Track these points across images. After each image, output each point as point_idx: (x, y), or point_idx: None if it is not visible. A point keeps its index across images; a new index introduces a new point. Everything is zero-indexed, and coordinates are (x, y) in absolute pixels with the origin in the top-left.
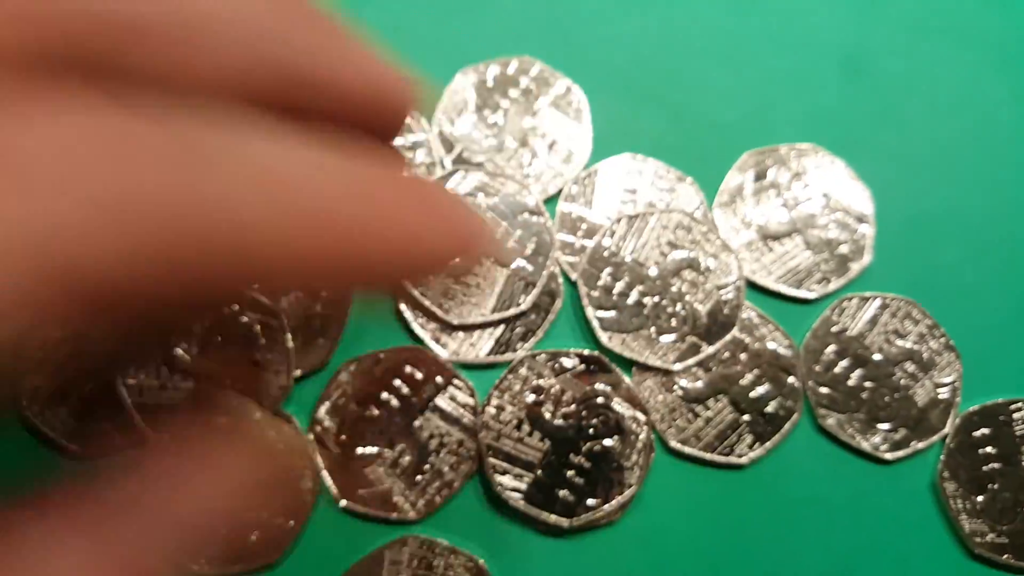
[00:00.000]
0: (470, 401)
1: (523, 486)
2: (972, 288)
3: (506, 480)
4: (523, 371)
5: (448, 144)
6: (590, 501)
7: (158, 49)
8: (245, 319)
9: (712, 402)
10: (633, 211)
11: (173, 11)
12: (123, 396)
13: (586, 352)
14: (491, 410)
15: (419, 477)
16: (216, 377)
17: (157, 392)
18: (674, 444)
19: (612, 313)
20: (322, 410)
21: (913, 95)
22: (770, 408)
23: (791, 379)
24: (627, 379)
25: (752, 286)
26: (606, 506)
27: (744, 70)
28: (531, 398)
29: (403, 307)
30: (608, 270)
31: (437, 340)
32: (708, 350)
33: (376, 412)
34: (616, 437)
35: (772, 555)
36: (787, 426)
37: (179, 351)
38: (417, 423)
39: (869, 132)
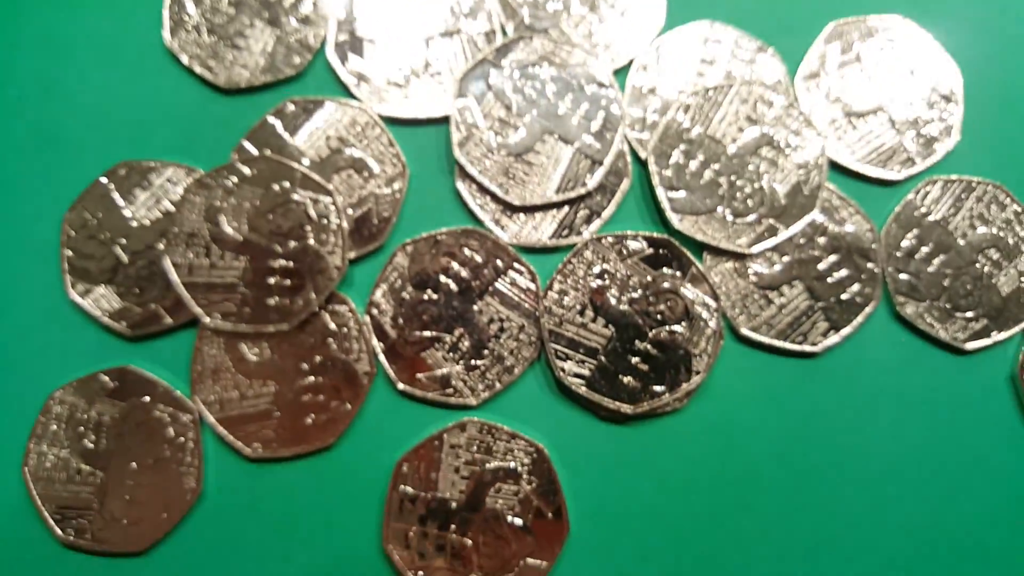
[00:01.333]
0: (531, 286)
1: (586, 372)
2: None
3: (568, 366)
4: (587, 254)
5: (510, 9)
6: (656, 388)
7: None
8: (296, 197)
9: (787, 288)
10: (710, 83)
11: None
12: (171, 275)
13: (655, 235)
14: (553, 295)
15: (478, 362)
16: (266, 255)
17: (207, 271)
18: (745, 331)
19: (684, 193)
20: (378, 293)
21: None
22: (847, 295)
23: (870, 264)
24: (698, 264)
25: (834, 166)
26: (671, 394)
27: None
28: (596, 283)
29: (461, 187)
30: (681, 147)
31: (497, 222)
32: (785, 233)
33: (434, 296)
34: (684, 323)
35: (843, 446)
36: (864, 314)
37: (228, 228)
38: (476, 307)
39: (960, 3)
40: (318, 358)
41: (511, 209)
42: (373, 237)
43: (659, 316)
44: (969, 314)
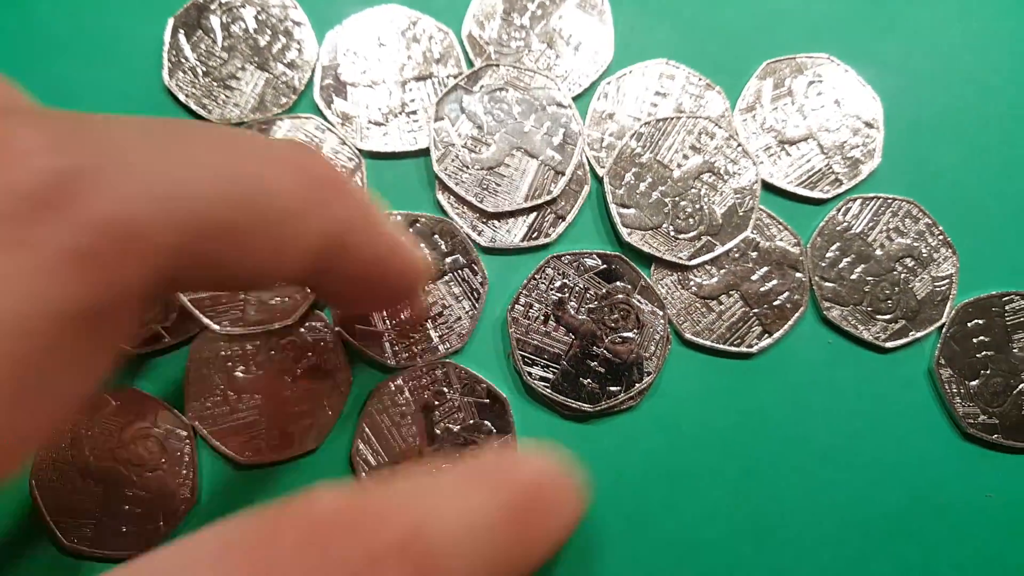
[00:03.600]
0: (480, 289)
1: (550, 376)
2: (970, 189)
3: (534, 371)
4: (549, 271)
5: (478, 47)
6: (612, 388)
7: (252, 249)
8: None
9: (724, 297)
10: (661, 114)
11: (260, 214)
12: (179, 296)
13: (608, 252)
14: (520, 307)
15: (412, 334)
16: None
17: None
18: (689, 336)
19: (633, 211)
20: None
21: (917, 5)
22: (778, 302)
23: (798, 275)
24: (646, 277)
25: (768, 188)
26: (625, 393)
27: None
28: (556, 296)
29: (441, 199)
30: (633, 170)
31: (474, 228)
32: (721, 248)
33: None
34: (635, 331)
35: (778, 437)
36: (794, 318)
37: None
38: (427, 287)
39: (878, 41)
40: (299, 371)
41: (486, 216)
42: None
43: (613, 324)
44: (888, 316)
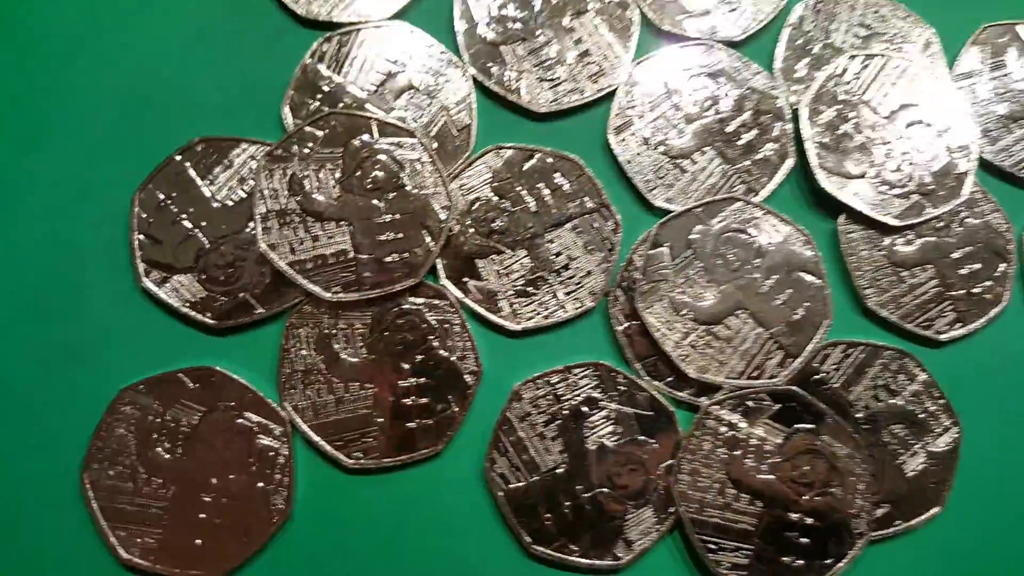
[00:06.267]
0: (613, 237)
1: (743, 560)
2: None
3: (722, 557)
4: (710, 423)
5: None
6: (820, 562)
7: None
8: (380, 146)
9: (918, 270)
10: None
11: None
12: (276, 262)
13: (777, 388)
14: (684, 476)
15: (532, 291)
16: (368, 212)
17: (310, 245)
18: (871, 305)
19: (833, 156)
20: (455, 184)
21: None
22: (978, 289)
23: (1002, 265)
24: (831, 413)
25: (983, 165)
26: (840, 563)
27: None
28: (726, 455)
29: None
30: (834, 109)
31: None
32: (932, 212)
33: (511, 208)
34: (834, 483)
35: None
36: (994, 311)
37: (319, 196)
38: (549, 236)
39: None
40: (419, 357)
41: (684, 378)
42: (459, 150)
43: (803, 480)
44: None
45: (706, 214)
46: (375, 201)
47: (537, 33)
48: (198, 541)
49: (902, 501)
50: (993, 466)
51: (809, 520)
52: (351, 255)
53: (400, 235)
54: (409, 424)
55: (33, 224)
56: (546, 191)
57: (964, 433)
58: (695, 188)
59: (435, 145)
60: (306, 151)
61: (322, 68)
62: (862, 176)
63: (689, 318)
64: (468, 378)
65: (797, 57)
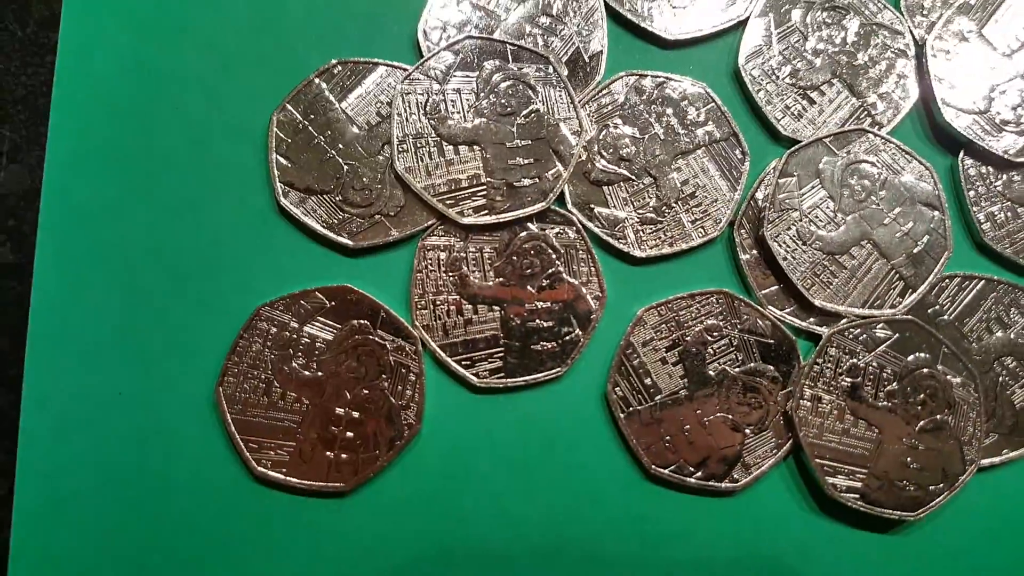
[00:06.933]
0: (742, 167)
1: (858, 484)
2: None
3: (839, 481)
4: (832, 351)
5: None
6: (933, 487)
7: None
8: (513, 69)
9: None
10: None
11: None
12: (414, 185)
13: (898, 316)
14: (806, 403)
15: (657, 218)
16: (503, 137)
17: (445, 169)
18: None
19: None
20: (583, 113)
21: None
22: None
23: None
24: (947, 343)
25: None
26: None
27: None
28: (848, 382)
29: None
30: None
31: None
32: None
33: (638, 135)
34: (947, 412)
35: None
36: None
37: (455, 119)
38: (677, 164)
39: None
40: (545, 282)
41: (807, 307)
42: (590, 76)
43: (920, 408)
44: None
45: (835, 144)
46: (508, 126)
47: None
48: (329, 454)
49: (1012, 431)
50: None
51: (921, 447)
52: (483, 179)
53: (531, 160)
54: (535, 347)
55: (173, 139)
56: (674, 119)
57: None
58: (823, 120)
59: (566, 72)
60: (440, 72)
61: None
62: (982, 112)
63: (816, 247)
64: (592, 303)
65: None
